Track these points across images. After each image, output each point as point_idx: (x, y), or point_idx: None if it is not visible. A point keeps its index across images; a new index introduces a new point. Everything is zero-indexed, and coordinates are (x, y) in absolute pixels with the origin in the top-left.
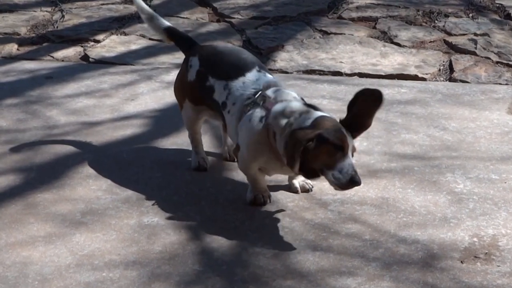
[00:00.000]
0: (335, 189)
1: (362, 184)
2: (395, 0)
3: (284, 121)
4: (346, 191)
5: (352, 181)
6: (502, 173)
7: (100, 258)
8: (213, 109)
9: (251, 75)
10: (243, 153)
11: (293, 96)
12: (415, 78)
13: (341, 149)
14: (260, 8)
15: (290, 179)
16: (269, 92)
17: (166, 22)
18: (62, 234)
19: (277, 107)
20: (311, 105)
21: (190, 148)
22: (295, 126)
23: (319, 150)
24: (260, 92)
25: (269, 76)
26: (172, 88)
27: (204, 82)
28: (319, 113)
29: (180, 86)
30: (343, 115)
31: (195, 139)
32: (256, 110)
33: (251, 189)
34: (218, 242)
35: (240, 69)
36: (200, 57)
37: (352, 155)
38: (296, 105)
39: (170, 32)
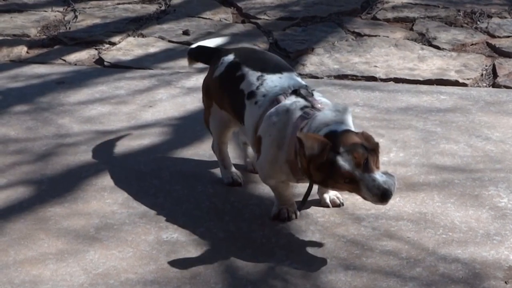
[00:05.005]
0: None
1: (398, 198)
2: (434, 0)
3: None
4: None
5: (383, 198)
6: None
7: (115, 277)
8: (233, 109)
9: (288, 75)
10: (262, 157)
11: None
12: (455, 83)
13: (352, 180)
14: (288, 8)
15: (321, 193)
16: (315, 92)
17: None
18: (74, 251)
19: (326, 114)
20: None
21: (213, 159)
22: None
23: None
24: (304, 86)
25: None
26: (193, 94)
27: (235, 72)
28: (328, 130)
29: (207, 89)
30: (377, 123)
31: (222, 151)
32: (298, 100)
33: (277, 202)
34: (242, 260)
35: (279, 67)
36: (235, 54)
37: (372, 165)
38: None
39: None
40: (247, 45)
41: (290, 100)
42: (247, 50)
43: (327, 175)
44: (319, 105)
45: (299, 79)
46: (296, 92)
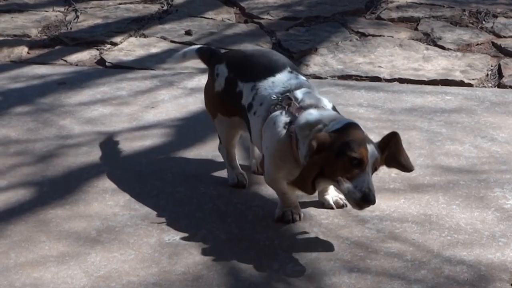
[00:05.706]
0: (353, 207)
1: (403, 199)
2: None
3: (308, 132)
4: (381, 208)
5: (365, 199)
6: None
7: (117, 280)
8: (243, 117)
9: (281, 76)
10: (267, 162)
11: (324, 102)
12: (460, 84)
13: (360, 164)
14: (292, 8)
15: (322, 194)
16: (298, 93)
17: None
18: (76, 253)
19: (305, 116)
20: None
21: (215, 160)
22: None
23: (339, 159)
24: (287, 93)
25: (301, 77)
26: (195, 95)
27: (234, 88)
28: (348, 120)
29: (209, 100)
30: (381, 124)
31: (230, 153)
32: (281, 114)
33: (280, 204)
34: (245, 262)
35: (270, 69)
36: (227, 63)
37: (372, 172)
38: (326, 113)
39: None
40: (249, 46)
41: (276, 114)
42: (238, 57)
43: (337, 156)
44: (297, 114)
45: (293, 75)
46: (280, 103)
